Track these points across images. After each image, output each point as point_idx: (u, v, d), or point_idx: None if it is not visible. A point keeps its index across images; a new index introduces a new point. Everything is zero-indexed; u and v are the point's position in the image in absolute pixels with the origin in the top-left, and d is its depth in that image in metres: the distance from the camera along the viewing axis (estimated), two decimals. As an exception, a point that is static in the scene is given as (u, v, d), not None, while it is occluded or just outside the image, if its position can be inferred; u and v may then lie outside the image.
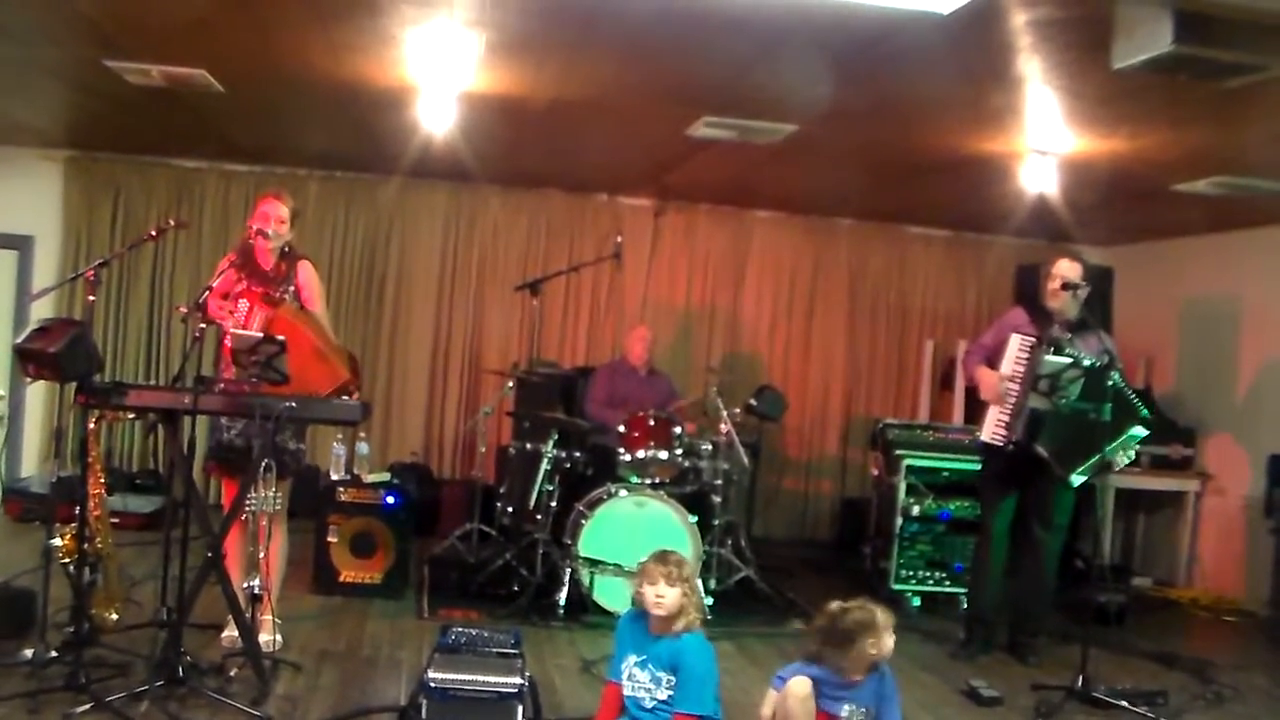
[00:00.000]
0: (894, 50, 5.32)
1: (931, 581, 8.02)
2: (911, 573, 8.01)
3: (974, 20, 4.72)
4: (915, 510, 8.00)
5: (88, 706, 4.70)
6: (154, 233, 5.71)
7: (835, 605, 4.36)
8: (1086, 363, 6.05)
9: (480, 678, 4.79)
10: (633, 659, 4.47)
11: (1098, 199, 8.31)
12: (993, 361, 6.50)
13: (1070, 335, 6.37)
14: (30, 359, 4.96)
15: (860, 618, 4.27)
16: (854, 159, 8.13)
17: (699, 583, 4.80)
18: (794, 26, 5.12)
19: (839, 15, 4.88)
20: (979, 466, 6.98)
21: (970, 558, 7.40)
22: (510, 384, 8.68)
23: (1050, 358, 6.13)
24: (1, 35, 6.09)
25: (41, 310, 9.00)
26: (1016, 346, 6.34)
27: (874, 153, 7.84)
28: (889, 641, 4.29)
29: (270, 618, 5.76)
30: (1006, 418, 6.29)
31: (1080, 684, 5.68)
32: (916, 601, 7.98)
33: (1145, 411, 6.10)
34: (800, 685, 4.33)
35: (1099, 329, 6.31)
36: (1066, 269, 6.42)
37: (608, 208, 10.50)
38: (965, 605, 7.30)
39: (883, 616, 4.31)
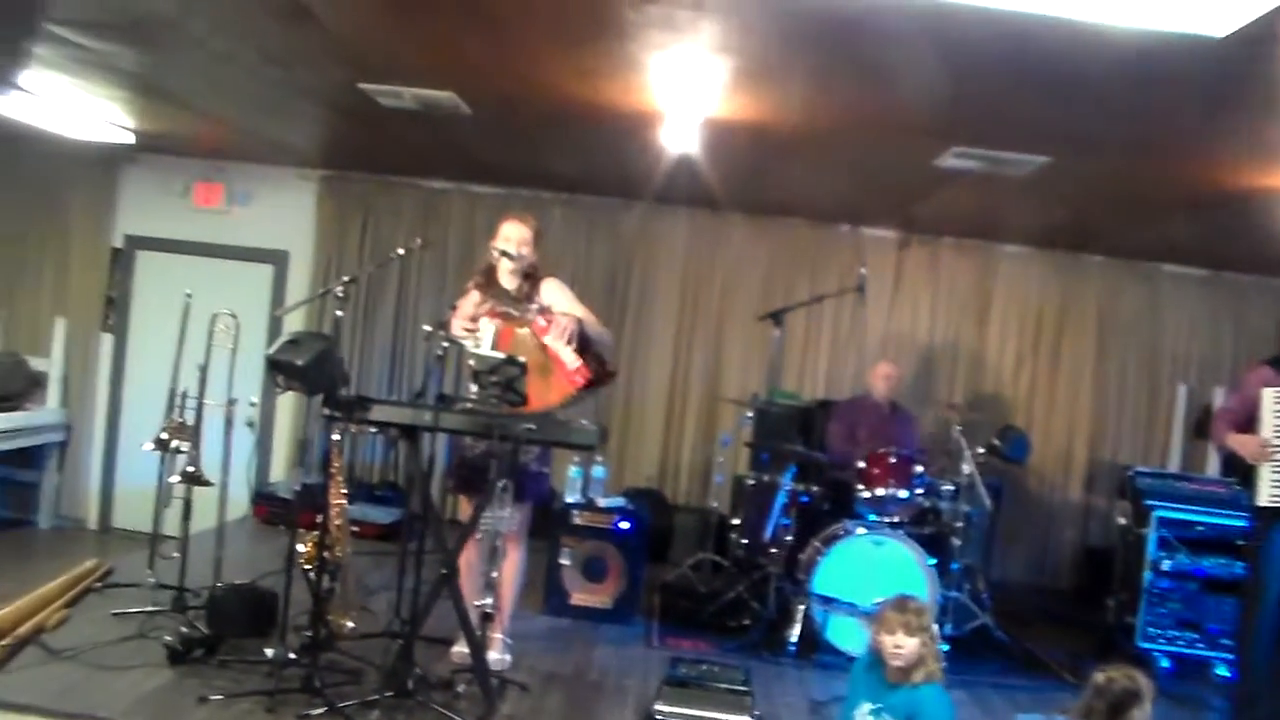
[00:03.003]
0: (1160, 76, 5.01)
1: (1182, 642, 7.56)
2: (1160, 631, 7.58)
3: (1251, 44, 4.40)
4: (1166, 565, 7.58)
5: (321, 710, 4.86)
6: (400, 252, 5.84)
7: (1100, 676, 4.16)
8: None
9: (709, 714, 4.72)
10: (867, 706, 4.34)
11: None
12: (1245, 426, 6.16)
13: None
14: (280, 370, 5.10)
15: (1128, 686, 4.08)
16: (1108, 193, 7.77)
17: (936, 629, 4.62)
18: (1055, 52, 4.87)
19: (1103, 40, 4.61)
20: (1248, 525, 6.58)
21: (1230, 621, 6.99)
22: (749, 414, 8.61)
23: None
24: (267, 59, 6.32)
25: (292, 323, 9.34)
26: (1271, 402, 6.01)
27: (1130, 186, 7.45)
28: (1149, 710, 4.08)
29: (500, 636, 5.81)
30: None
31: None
32: (1165, 662, 7.55)
33: None
34: None
35: None
36: None
37: (850, 238, 10.32)
38: (1232, 676, 6.89)
39: (1146, 684, 4.11)
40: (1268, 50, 4.50)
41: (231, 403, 6.46)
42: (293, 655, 5.25)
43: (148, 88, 7.39)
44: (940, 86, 5.60)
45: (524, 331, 5.65)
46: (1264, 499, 6.03)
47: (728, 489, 9.54)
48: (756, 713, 4.86)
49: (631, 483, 9.95)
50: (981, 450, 7.85)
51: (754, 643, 6.91)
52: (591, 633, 6.98)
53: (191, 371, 6.40)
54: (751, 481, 8.34)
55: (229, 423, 6.44)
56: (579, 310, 5.87)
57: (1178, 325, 10.45)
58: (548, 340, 5.55)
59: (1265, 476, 6.02)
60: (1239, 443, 6.17)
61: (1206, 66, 4.80)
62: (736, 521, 8.56)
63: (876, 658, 4.39)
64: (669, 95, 6.18)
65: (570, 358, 5.55)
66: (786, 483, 7.55)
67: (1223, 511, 7.62)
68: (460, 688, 5.33)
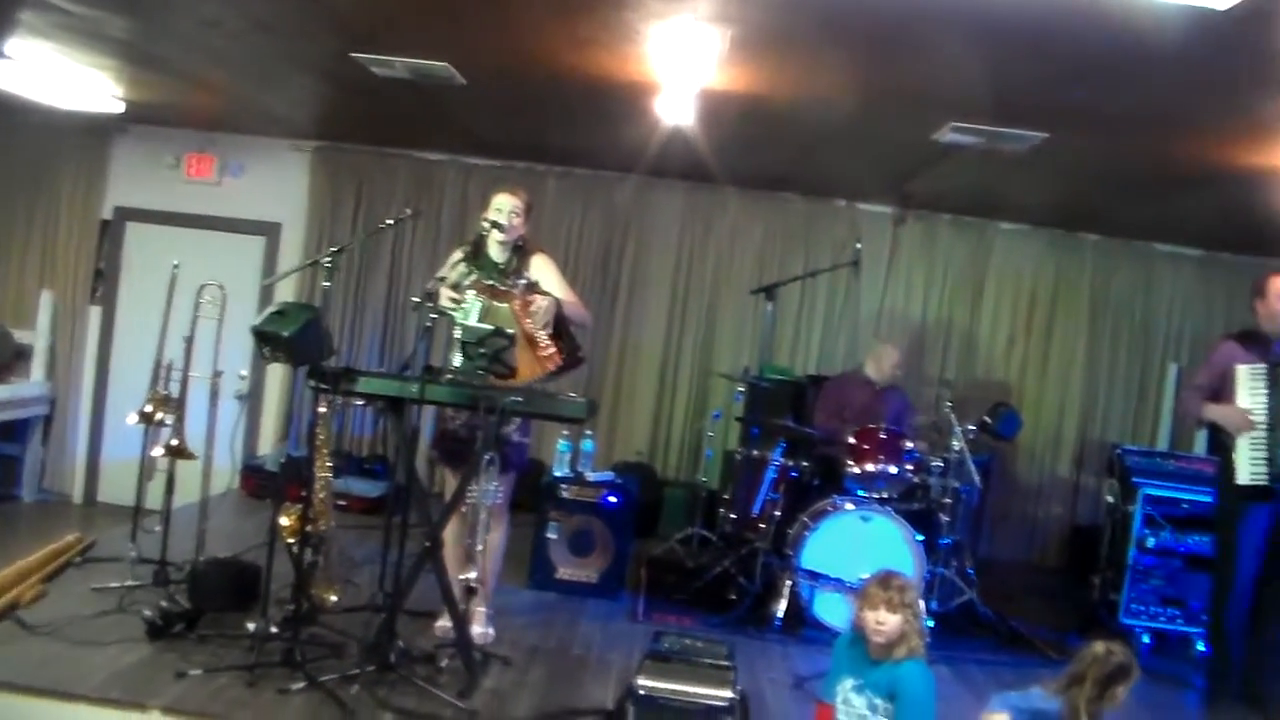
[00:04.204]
0: (1160, 51, 4.95)
1: (1164, 618, 7.55)
2: (1143, 608, 7.58)
3: (1255, 18, 4.36)
4: (1151, 542, 7.58)
5: (301, 685, 4.82)
6: (389, 221, 5.78)
7: (1100, 646, 4.09)
8: None
9: (690, 688, 4.68)
10: (849, 682, 4.31)
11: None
12: (1213, 400, 6.15)
13: None
14: (265, 341, 5.06)
15: (1123, 661, 4.01)
16: (1105, 170, 7.73)
17: (921, 605, 4.56)
18: (1054, 25, 4.83)
19: (1103, 13, 4.58)
20: (1215, 502, 6.54)
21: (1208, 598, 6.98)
22: (741, 389, 8.56)
23: None
24: (256, 26, 6.26)
25: (283, 295, 9.28)
26: (1247, 377, 5.99)
27: (1128, 163, 7.40)
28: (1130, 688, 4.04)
29: (484, 610, 5.78)
30: (1264, 451, 5.87)
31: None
32: (1146, 639, 7.54)
33: None
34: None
35: None
36: None
37: (846, 214, 10.27)
38: (1207, 652, 6.87)
39: (1135, 662, 4.05)
40: (1270, 26, 4.44)
41: (217, 375, 6.40)
42: (274, 629, 5.23)
43: (136, 55, 7.33)
44: (940, 59, 5.56)
45: (504, 307, 5.59)
46: (1244, 477, 5.98)
47: (718, 464, 9.55)
48: (739, 688, 4.81)
49: (621, 457, 9.95)
50: (972, 427, 7.81)
51: (740, 618, 6.91)
52: (577, 607, 6.96)
53: (178, 344, 6.33)
54: (741, 456, 8.31)
55: (214, 395, 6.38)
56: (562, 291, 5.84)
57: (1170, 304, 10.43)
58: (526, 324, 5.50)
59: (1244, 454, 5.98)
60: (1223, 413, 6.12)
61: (1208, 41, 4.76)
62: (726, 496, 8.55)
63: (860, 634, 4.35)
64: (666, 65, 6.10)
65: (544, 342, 5.52)
66: (776, 458, 7.53)
67: (1208, 489, 7.49)
68: (443, 662, 5.32)
